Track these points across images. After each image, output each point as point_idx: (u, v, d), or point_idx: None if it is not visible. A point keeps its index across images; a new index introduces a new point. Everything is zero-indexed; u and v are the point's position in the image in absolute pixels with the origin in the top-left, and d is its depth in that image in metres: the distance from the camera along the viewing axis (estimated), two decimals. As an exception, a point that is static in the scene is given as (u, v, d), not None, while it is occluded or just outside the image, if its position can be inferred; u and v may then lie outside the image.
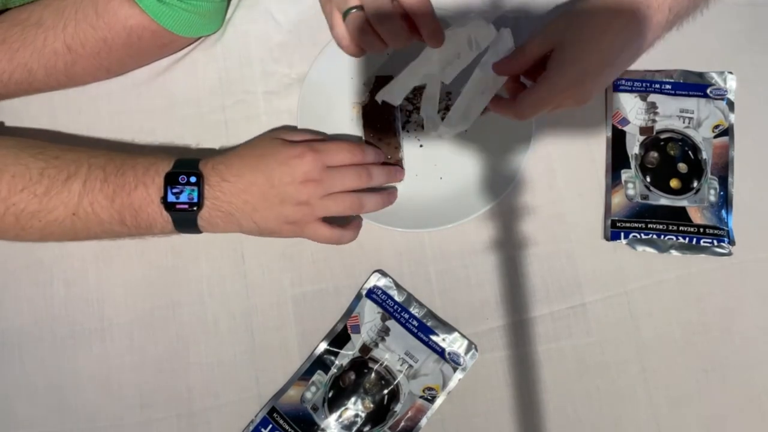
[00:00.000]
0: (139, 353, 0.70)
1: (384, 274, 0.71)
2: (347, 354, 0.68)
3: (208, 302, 0.71)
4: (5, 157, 0.63)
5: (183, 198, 0.64)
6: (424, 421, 0.67)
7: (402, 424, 0.67)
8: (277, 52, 0.77)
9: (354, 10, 0.60)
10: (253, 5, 0.77)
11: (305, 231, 0.67)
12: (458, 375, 0.68)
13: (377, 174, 0.69)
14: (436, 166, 0.74)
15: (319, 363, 0.68)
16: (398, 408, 0.67)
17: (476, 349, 0.69)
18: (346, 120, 0.75)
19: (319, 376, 0.68)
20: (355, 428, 0.67)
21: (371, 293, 0.70)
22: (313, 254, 0.72)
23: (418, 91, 0.75)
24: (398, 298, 0.70)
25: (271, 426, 0.67)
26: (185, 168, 0.65)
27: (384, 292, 0.70)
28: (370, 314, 0.70)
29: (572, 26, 0.63)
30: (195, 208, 0.64)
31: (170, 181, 0.64)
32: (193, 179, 0.64)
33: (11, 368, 0.69)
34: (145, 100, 0.76)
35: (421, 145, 0.75)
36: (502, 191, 0.71)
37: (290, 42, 0.77)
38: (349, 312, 0.70)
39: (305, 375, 0.68)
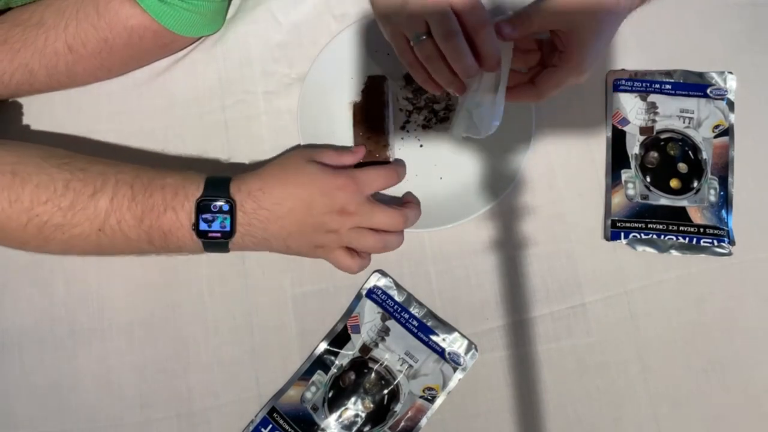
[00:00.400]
0: (139, 353, 0.70)
1: (384, 274, 0.71)
2: (347, 354, 0.68)
3: (208, 302, 0.71)
4: (27, 166, 0.61)
5: (215, 226, 0.63)
6: (424, 421, 0.67)
7: (402, 424, 0.67)
8: (277, 52, 0.77)
9: (424, 37, 0.60)
10: (254, 5, 0.77)
11: (329, 256, 0.67)
12: (458, 375, 0.68)
13: (412, 218, 0.68)
14: (436, 166, 0.74)
15: (319, 363, 0.68)
16: (398, 408, 0.67)
17: (476, 349, 0.69)
18: (345, 120, 0.75)
19: (319, 376, 0.68)
20: (355, 428, 0.67)
21: (371, 293, 0.70)
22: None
23: (418, 92, 0.75)
24: (398, 298, 0.70)
25: (271, 426, 0.67)
26: (216, 192, 0.63)
27: (384, 292, 0.70)
28: (370, 314, 0.70)
29: (587, 10, 0.63)
30: (228, 238, 0.63)
31: (202, 208, 0.63)
32: (225, 207, 0.62)
33: (11, 368, 0.69)
34: (145, 100, 0.76)
35: (421, 145, 0.75)
36: (502, 191, 0.71)
37: (290, 42, 0.77)
38: (349, 312, 0.70)
39: (305, 375, 0.68)
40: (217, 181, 0.64)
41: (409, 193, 0.72)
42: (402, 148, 0.74)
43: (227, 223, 0.63)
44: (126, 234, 0.63)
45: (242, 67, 0.76)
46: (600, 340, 0.70)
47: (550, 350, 0.70)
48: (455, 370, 0.68)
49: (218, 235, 0.63)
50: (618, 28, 0.68)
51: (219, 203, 0.62)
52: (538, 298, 0.71)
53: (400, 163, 0.72)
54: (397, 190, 0.73)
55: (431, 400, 0.67)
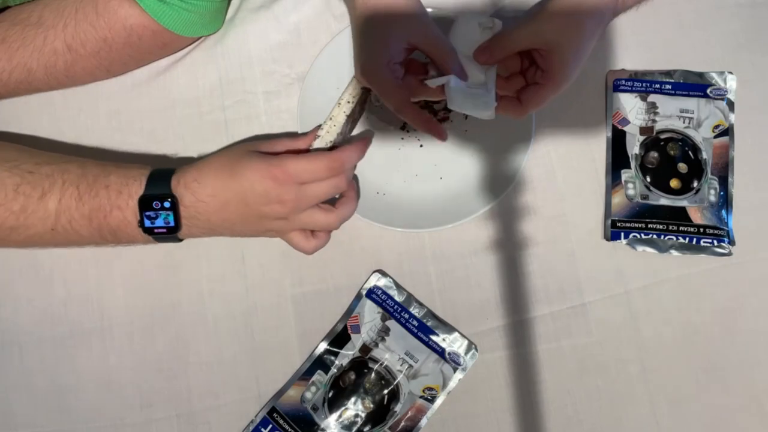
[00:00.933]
0: (139, 353, 0.70)
1: (384, 274, 0.71)
2: (347, 354, 0.68)
3: (208, 302, 0.71)
4: None
5: (159, 223, 0.63)
6: (424, 421, 0.67)
7: (402, 424, 0.67)
8: (277, 52, 0.77)
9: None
10: (254, 5, 0.77)
11: (284, 238, 0.67)
12: (458, 375, 0.68)
13: (351, 174, 0.67)
14: (437, 166, 0.74)
15: (319, 363, 0.68)
16: (398, 408, 0.67)
17: (476, 349, 0.69)
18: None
19: (319, 376, 0.68)
20: (355, 428, 0.67)
21: (371, 293, 0.70)
22: (313, 254, 0.72)
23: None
24: (398, 298, 0.70)
25: (271, 426, 0.67)
26: (158, 188, 0.63)
27: (384, 292, 0.70)
28: (370, 314, 0.70)
29: (566, 28, 0.64)
30: (174, 232, 0.64)
31: (144, 206, 0.63)
32: (167, 204, 0.63)
33: (11, 368, 0.69)
34: (145, 100, 0.76)
35: (421, 145, 0.75)
36: (502, 191, 0.71)
37: (290, 42, 0.77)
38: (349, 312, 0.70)
39: (305, 375, 0.68)
40: (159, 175, 0.64)
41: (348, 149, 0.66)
42: (402, 148, 0.74)
43: (170, 219, 0.63)
44: (78, 232, 0.64)
45: (242, 67, 0.76)
46: (600, 340, 0.70)
47: (550, 350, 0.70)
48: (455, 370, 0.68)
49: (164, 230, 0.63)
50: (599, 35, 0.68)
51: (160, 200, 0.63)
52: (538, 298, 0.71)
53: (345, 151, 0.65)
54: (398, 191, 0.73)
55: (431, 400, 0.67)
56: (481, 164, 0.74)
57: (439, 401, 0.68)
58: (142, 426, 0.68)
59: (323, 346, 0.69)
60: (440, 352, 0.69)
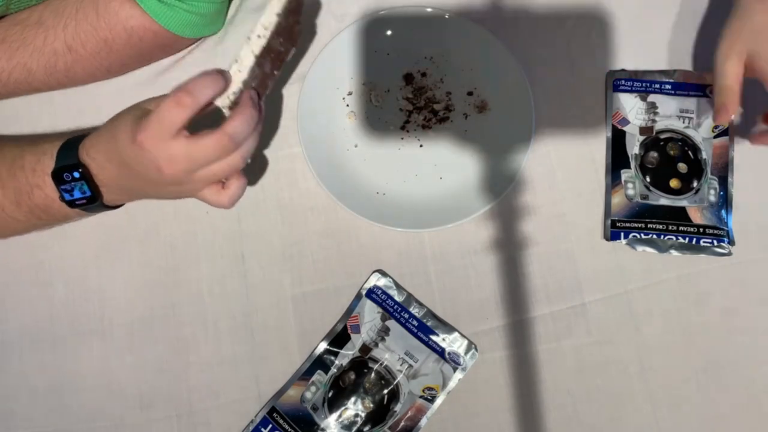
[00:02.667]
0: (139, 353, 0.70)
1: (384, 274, 0.71)
2: (347, 354, 0.68)
3: (208, 302, 0.71)
4: None
5: (77, 194, 0.60)
6: (424, 421, 0.67)
7: (402, 423, 0.67)
8: (277, 52, 0.77)
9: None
10: (254, 5, 0.77)
11: (198, 198, 0.61)
12: (458, 375, 0.68)
13: (240, 133, 0.56)
14: (436, 166, 0.74)
15: (319, 363, 0.68)
16: (398, 408, 0.67)
17: (476, 349, 0.69)
18: (345, 119, 0.75)
19: (319, 376, 0.68)
20: (355, 428, 0.67)
21: (371, 293, 0.70)
22: (313, 254, 0.72)
23: (418, 92, 0.75)
24: (398, 297, 0.70)
25: (271, 426, 0.67)
26: (66, 159, 0.59)
27: (384, 292, 0.70)
28: (370, 314, 0.70)
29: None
30: (94, 202, 0.61)
31: (58, 180, 0.60)
32: (76, 174, 0.59)
33: (11, 368, 0.69)
34: (146, 100, 0.75)
35: (421, 145, 0.75)
36: (502, 191, 0.71)
37: (290, 42, 0.77)
38: (349, 312, 0.70)
39: (305, 375, 0.68)
40: (68, 146, 0.61)
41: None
42: (402, 148, 0.74)
43: (85, 188, 0.60)
44: (14, 216, 0.63)
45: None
46: (600, 340, 0.70)
47: (550, 350, 0.70)
48: (455, 369, 0.68)
49: (84, 201, 0.61)
50: None
51: (69, 172, 0.59)
52: (538, 298, 0.71)
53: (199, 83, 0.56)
54: (398, 191, 0.73)
55: (431, 400, 0.67)
56: (481, 164, 0.74)
57: (438, 401, 0.68)
58: (142, 426, 0.68)
59: (323, 346, 0.69)
60: (440, 352, 0.69)
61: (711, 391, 0.69)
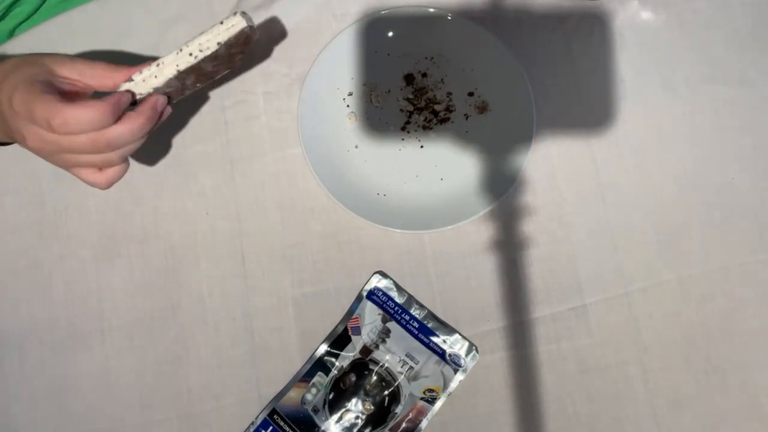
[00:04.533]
0: (139, 354, 0.70)
1: (384, 275, 0.71)
2: (348, 356, 0.68)
3: (208, 303, 0.71)
4: None
5: None
6: (424, 423, 0.67)
7: (402, 425, 0.67)
8: (277, 52, 0.77)
9: None
10: (253, 5, 0.77)
11: (76, 176, 0.58)
12: (459, 376, 0.68)
13: (119, 140, 0.54)
14: (437, 167, 0.74)
15: (320, 364, 0.68)
16: (399, 410, 0.67)
17: (477, 351, 0.69)
18: (345, 120, 0.75)
19: (319, 378, 0.68)
20: (355, 430, 0.67)
21: (372, 295, 0.70)
22: (314, 255, 0.72)
23: (419, 92, 0.75)
24: (399, 299, 0.70)
25: (271, 428, 0.67)
26: None
27: (384, 294, 0.70)
28: (370, 316, 0.69)
29: None
30: None
31: None
32: None
33: (10, 369, 0.69)
34: (145, 101, 0.75)
35: (422, 146, 0.74)
36: (503, 192, 0.71)
37: (290, 42, 0.77)
38: (349, 313, 0.70)
39: (306, 377, 0.68)
40: None
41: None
42: (403, 149, 0.74)
43: None
44: None
45: (242, 67, 0.76)
46: (600, 341, 0.70)
47: (550, 351, 0.70)
48: (456, 371, 0.68)
49: None
50: None
51: None
52: (538, 299, 0.71)
53: (113, 129, 0.53)
54: (398, 192, 0.73)
55: (432, 401, 0.67)
56: (481, 165, 0.73)
57: (439, 403, 0.68)
58: (142, 428, 0.68)
59: (324, 347, 0.69)
60: (441, 354, 0.69)
61: (711, 393, 0.69)
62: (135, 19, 0.77)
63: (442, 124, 0.75)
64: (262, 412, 0.68)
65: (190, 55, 0.53)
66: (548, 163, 0.74)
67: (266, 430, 0.67)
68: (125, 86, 0.55)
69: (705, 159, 0.75)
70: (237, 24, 0.53)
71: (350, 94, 0.76)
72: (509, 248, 0.72)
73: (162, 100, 0.56)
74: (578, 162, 0.74)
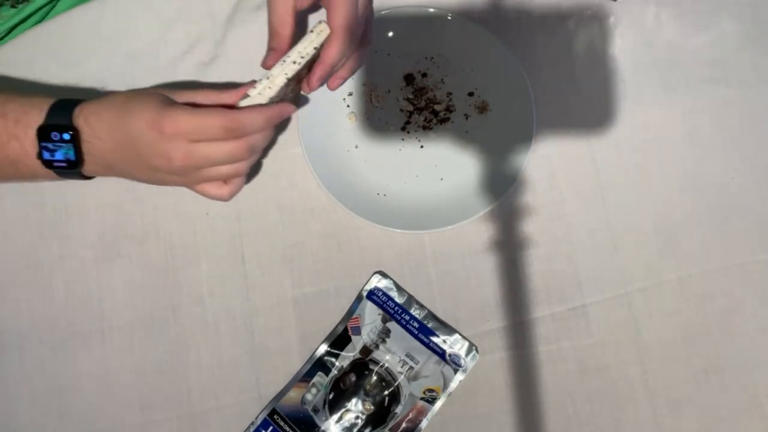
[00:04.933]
0: (139, 354, 0.70)
1: (384, 275, 0.71)
2: (348, 356, 0.68)
3: (209, 303, 0.71)
4: None
5: (59, 156, 0.58)
6: (424, 423, 0.67)
7: (402, 425, 0.67)
8: (277, 52, 0.77)
9: None
10: (252, 5, 0.77)
11: (194, 189, 0.63)
12: (459, 376, 0.68)
13: (258, 143, 0.60)
14: (437, 167, 0.74)
15: (320, 364, 0.68)
16: (399, 409, 0.67)
17: (477, 351, 0.69)
18: (345, 120, 0.75)
19: (319, 378, 0.68)
20: (355, 430, 0.67)
21: (372, 295, 0.70)
22: (314, 255, 0.72)
23: (419, 92, 0.75)
24: (399, 299, 0.70)
25: (271, 428, 0.67)
26: (58, 119, 0.58)
27: (385, 294, 0.70)
28: (370, 316, 0.69)
29: None
30: (74, 168, 0.59)
31: (43, 137, 0.57)
32: (66, 136, 0.57)
33: (10, 370, 0.69)
34: (145, 101, 0.75)
35: (422, 146, 0.74)
36: (503, 192, 0.71)
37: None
38: (349, 313, 0.70)
39: (306, 376, 0.68)
40: (63, 106, 0.59)
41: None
42: (403, 149, 0.74)
43: (71, 153, 0.58)
44: None
45: (242, 67, 0.76)
46: (600, 341, 0.70)
47: (550, 351, 0.70)
48: (456, 371, 0.68)
49: (64, 164, 0.59)
50: None
51: (59, 132, 0.57)
52: (538, 299, 0.71)
53: (247, 113, 0.58)
54: (398, 192, 0.73)
55: (432, 401, 0.67)
56: (481, 165, 0.73)
57: (439, 403, 0.68)
58: (142, 428, 0.68)
59: (324, 347, 0.69)
60: (441, 354, 0.69)
61: (711, 393, 0.69)
62: (135, 19, 0.77)
63: (442, 124, 0.75)
64: (262, 412, 0.68)
65: (294, 62, 0.59)
66: (548, 163, 0.74)
67: (266, 430, 0.67)
68: (245, 102, 0.59)
69: (705, 159, 0.75)
70: (324, 30, 0.60)
71: (350, 94, 0.76)
72: (509, 248, 0.72)
73: (291, 108, 0.61)
74: (578, 162, 0.74)
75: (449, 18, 0.75)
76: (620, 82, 0.76)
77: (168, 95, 0.58)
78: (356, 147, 0.74)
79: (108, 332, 0.70)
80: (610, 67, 0.77)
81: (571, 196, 0.73)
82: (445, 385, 0.68)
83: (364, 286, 0.71)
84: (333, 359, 0.68)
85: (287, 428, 0.67)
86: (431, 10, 0.74)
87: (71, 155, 0.58)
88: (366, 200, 0.72)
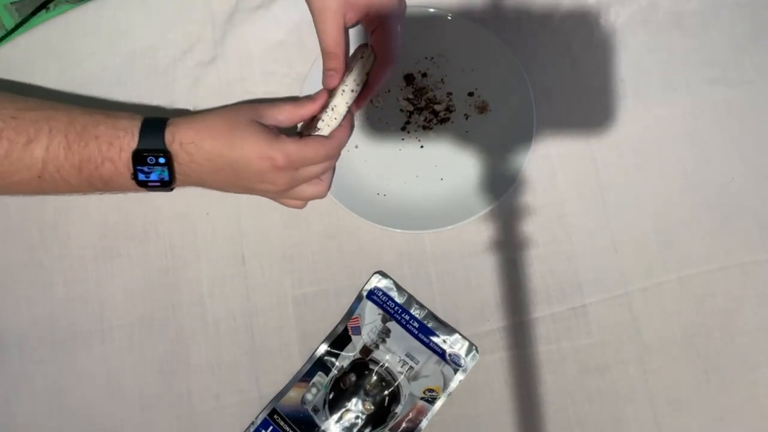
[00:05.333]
0: (139, 354, 0.70)
1: (384, 275, 0.71)
2: (348, 355, 0.68)
3: (209, 303, 0.71)
4: None
5: (153, 177, 0.62)
6: (424, 423, 0.67)
7: (402, 425, 0.67)
8: (277, 52, 0.77)
9: None
10: (252, 5, 0.77)
11: (276, 201, 0.69)
12: (459, 376, 0.68)
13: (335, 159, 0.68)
14: (437, 167, 0.74)
15: (320, 364, 0.68)
16: (399, 409, 0.67)
17: (477, 351, 0.69)
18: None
19: (319, 378, 0.68)
20: (355, 430, 0.67)
21: (372, 294, 0.70)
22: (314, 255, 0.72)
23: (419, 92, 0.75)
24: (399, 299, 0.70)
25: (271, 428, 0.67)
26: (152, 143, 0.61)
27: (385, 294, 0.70)
28: (370, 316, 0.69)
29: None
30: (168, 185, 0.63)
31: (138, 160, 0.61)
32: (162, 160, 0.61)
33: (10, 369, 0.69)
34: (146, 101, 0.75)
35: (421, 146, 0.74)
36: (503, 192, 0.71)
37: (290, 42, 0.77)
38: (349, 313, 0.70)
39: (306, 376, 0.68)
40: (152, 128, 0.62)
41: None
42: (403, 149, 0.74)
43: (165, 174, 0.62)
44: (67, 181, 0.62)
45: (242, 67, 0.76)
46: (601, 341, 0.70)
47: (550, 351, 0.70)
48: (456, 371, 0.68)
49: (158, 184, 0.63)
50: None
51: (155, 156, 0.61)
52: (538, 299, 0.71)
53: (340, 137, 0.65)
54: (398, 192, 0.73)
55: (432, 401, 0.67)
56: (481, 165, 0.73)
57: (439, 402, 0.68)
58: (143, 428, 0.68)
59: (324, 347, 0.69)
60: (441, 354, 0.69)
61: (712, 393, 0.69)
62: (134, 19, 0.77)
63: (442, 124, 0.75)
64: (262, 412, 0.68)
65: (352, 91, 0.65)
66: (548, 163, 0.74)
67: (266, 430, 0.67)
68: (318, 133, 0.64)
69: (705, 159, 0.75)
70: (370, 54, 0.66)
71: (350, 94, 0.76)
72: (509, 248, 0.72)
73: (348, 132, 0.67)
74: (578, 162, 0.74)
75: (449, 18, 0.75)
76: (620, 82, 0.76)
77: (254, 116, 0.62)
78: (356, 147, 0.74)
79: (108, 332, 0.70)
80: (610, 67, 0.77)
81: (571, 196, 0.73)
82: (445, 385, 0.68)
83: (364, 286, 0.71)
84: (333, 359, 0.68)
85: (287, 428, 0.67)
86: (431, 10, 0.75)
87: (165, 176, 0.62)
88: (366, 200, 0.72)
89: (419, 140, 0.75)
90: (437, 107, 0.75)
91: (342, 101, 0.65)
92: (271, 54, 0.77)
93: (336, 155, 0.66)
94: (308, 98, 0.66)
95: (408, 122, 0.75)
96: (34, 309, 0.71)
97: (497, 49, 0.74)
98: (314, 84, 0.73)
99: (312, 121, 0.65)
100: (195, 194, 0.73)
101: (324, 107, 0.65)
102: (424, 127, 0.75)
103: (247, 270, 0.72)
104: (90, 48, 0.76)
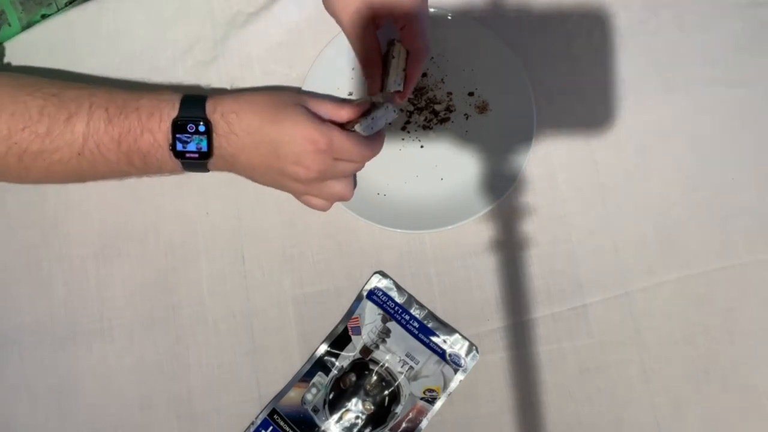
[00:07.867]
0: (139, 354, 0.70)
1: (385, 275, 0.71)
2: (348, 355, 0.68)
3: (208, 303, 0.71)
4: (1, 96, 0.60)
5: (191, 147, 0.61)
6: (424, 423, 0.67)
7: (403, 425, 0.67)
8: (277, 52, 0.77)
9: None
10: (252, 5, 0.77)
11: (297, 197, 0.67)
12: (459, 376, 0.68)
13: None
14: (437, 167, 0.74)
15: (320, 364, 0.68)
16: (399, 409, 0.67)
17: (477, 351, 0.69)
18: (346, 120, 0.75)
19: (319, 378, 0.68)
20: (355, 430, 0.67)
21: (372, 294, 0.70)
22: (314, 255, 0.72)
23: (419, 92, 0.75)
24: (399, 299, 0.70)
25: (271, 428, 0.67)
26: (192, 112, 0.61)
27: (385, 294, 0.70)
28: (370, 316, 0.69)
29: None
30: (204, 159, 0.63)
31: (178, 129, 0.61)
32: (202, 128, 0.61)
33: (10, 369, 0.69)
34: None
35: (422, 146, 0.74)
36: (503, 192, 0.71)
37: (290, 42, 0.77)
38: (349, 313, 0.70)
39: (306, 377, 0.68)
40: (193, 100, 0.63)
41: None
42: (403, 149, 0.74)
43: (203, 144, 0.61)
44: (106, 157, 0.62)
45: (242, 67, 0.76)
46: (601, 341, 0.70)
47: (550, 351, 0.70)
48: (456, 371, 0.68)
49: (196, 155, 0.62)
50: None
51: (195, 124, 0.61)
52: (538, 299, 0.71)
53: (379, 144, 0.66)
54: (398, 191, 0.73)
55: (432, 401, 0.67)
56: (481, 165, 0.73)
57: (439, 403, 0.68)
58: (142, 428, 0.68)
59: (324, 347, 0.69)
60: (441, 354, 0.69)
61: (712, 393, 0.69)
62: (134, 19, 0.77)
63: (442, 124, 0.75)
64: (262, 412, 0.68)
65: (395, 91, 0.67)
66: (548, 163, 0.74)
67: (266, 430, 0.67)
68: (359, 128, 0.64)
69: (705, 159, 0.75)
70: (402, 50, 0.67)
71: (350, 94, 0.76)
72: (509, 248, 0.72)
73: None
74: (578, 162, 0.74)
75: (449, 18, 0.75)
76: (620, 82, 0.76)
77: (299, 101, 0.63)
78: (356, 147, 0.74)
79: (108, 332, 0.70)
80: (610, 67, 0.77)
81: (571, 196, 0.73)
82: (445, 385, 0.68)
83: (364, 286, 0.71)
84: (333, 359, 0.68)
85: (287, 428, 0.67)
86: (431, 10, 0.74)
87: (204, 146, 0.61)
88: (366, 200, 0.72)
89: (419, 140, 0.75)
90: (437, 107, 0.75)
91: (383, 115, 0.65)
92: (271, 54, 0.77)
93: (370, 158, 0.65)
94: (350, 102, 0.66)
95: (408, 122, 0.75)
96: (35, 308, 0.71)
97: (497, 48, 0.74)
98: (314, 84, 0.74)
99: (348, 122, 0.65)
100: (195, 194, 0.73)
101: (364, 114, 0.64)
102: (424, 127, 0.75)
103: (247, 270, 0.72)
104: (90, 48, 0.76)
